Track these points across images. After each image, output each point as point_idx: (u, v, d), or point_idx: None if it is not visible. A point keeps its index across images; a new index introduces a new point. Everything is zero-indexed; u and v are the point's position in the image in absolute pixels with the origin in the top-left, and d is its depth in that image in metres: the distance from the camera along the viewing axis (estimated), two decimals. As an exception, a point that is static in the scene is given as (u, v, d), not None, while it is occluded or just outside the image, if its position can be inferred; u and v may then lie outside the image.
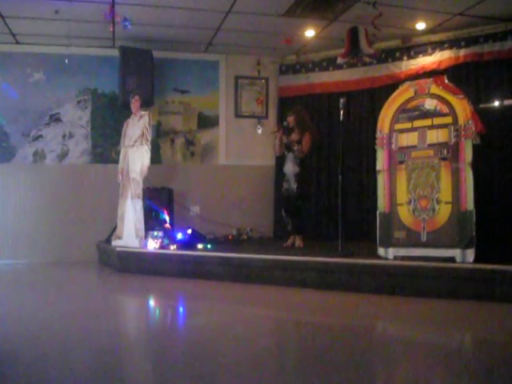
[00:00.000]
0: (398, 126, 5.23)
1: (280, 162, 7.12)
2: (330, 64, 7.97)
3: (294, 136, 6.41)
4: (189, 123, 8.32)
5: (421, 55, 7.26)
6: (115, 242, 6.73)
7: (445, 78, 5.25)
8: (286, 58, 8.35)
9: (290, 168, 6.42)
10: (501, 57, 6.62)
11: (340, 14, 6.55)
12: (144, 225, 6.59)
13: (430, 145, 5.02)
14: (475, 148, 4.85)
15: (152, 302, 5.24)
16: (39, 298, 5.00)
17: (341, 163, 5.76)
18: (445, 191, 4.90)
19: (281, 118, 7.67)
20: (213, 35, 7.46)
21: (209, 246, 6.64)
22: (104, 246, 7.25)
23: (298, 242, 6.40)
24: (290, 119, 6.48)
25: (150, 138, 6.73)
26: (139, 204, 6.60)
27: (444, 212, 4.89)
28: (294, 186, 6.36)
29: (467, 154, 4.82)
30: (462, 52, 6.90)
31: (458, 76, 6.75)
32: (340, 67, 7.83)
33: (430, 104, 5.09)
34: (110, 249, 6.80)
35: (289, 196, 6.45)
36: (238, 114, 8.48)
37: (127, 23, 6.39)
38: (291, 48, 7.93)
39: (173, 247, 6.38)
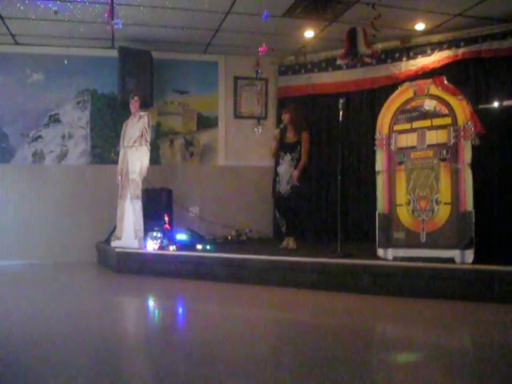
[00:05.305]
0: (397, 127, 5.23)
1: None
2: (329, 65, 7.96)
3: (292, 137, 6.36)
4: (188, 124, 8.32)
5: (420, 56, 7.26)
6: (114, 243, 6.73)
7: (444, 78, 5.24)
8: (286, 59, 8.34)
9: (286, 169, 6.31)
10: (499, 54, 6.62)
11: (339, 14, 6.56)
12: (143, 225, 6.58)
13: (429, 145, 5.03)
14: (474, 149, 4.86)
15: (151, 303, 5.23)
16: (38, 298, 4.99)
17: (340, 164, 5.76)
18: (444, 192, 4.90)
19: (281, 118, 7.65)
20: (212, 36, 7.46)
21: (208, 246, 6.63)
22: (103, 246, 7.25)
23: (291, 244, 6.32)
24: (286, 116, 6.41)
25: (149, 139, 6.72)
26: (138, 205, 6.59)
27: (443, 213, 4.89)
28: (288, 186, 6.25)
29: (466, 154, 4.83)
30: (461, 50, 6.91)
31: (457, 72, 6.76)
32: (339, 68, 7.82)
33: (429, 105, 5.09)
34: (109, 249, 6.80)
35: (282, 197, 6.34)
36: (238, 115, 8.48)
37: (118, 21, 6.32)
38: (291, 48, 7.93)
39: (172, 248, 6.38)
